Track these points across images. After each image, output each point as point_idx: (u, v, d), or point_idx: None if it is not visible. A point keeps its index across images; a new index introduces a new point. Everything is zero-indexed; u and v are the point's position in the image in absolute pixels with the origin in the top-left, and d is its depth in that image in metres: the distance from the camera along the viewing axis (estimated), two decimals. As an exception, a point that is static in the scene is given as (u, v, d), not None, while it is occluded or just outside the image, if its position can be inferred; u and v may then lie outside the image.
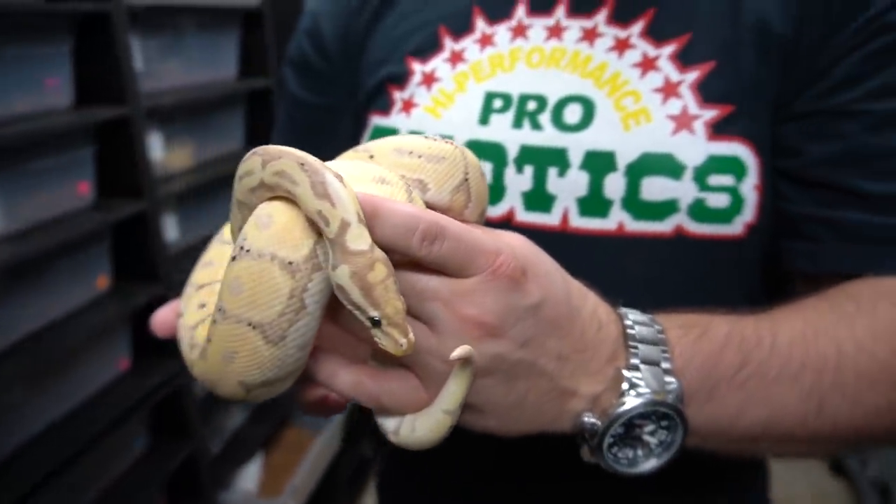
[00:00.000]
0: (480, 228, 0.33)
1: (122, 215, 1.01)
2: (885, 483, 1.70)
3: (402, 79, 0.55)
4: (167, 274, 1.10)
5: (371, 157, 0.34)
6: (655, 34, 0.47)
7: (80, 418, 0.98)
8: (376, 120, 0.56)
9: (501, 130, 0.50)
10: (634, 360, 0.35)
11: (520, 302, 0.31)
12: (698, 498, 0.53)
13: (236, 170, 0.32)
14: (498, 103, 0.51)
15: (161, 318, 0.41)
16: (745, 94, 0.45)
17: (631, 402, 0.34)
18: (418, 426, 0.32)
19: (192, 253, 1.24)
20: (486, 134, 0.50)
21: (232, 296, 0.29)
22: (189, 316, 0.38)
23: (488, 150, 0.49)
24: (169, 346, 1.16)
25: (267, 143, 0.32)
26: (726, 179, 0.45)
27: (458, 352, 0.28)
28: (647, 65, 0.47)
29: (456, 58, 0.53)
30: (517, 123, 0.49)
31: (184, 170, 1.25)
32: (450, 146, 0.35)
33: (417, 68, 0.54)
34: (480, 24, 0.53)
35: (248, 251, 0.28)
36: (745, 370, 0.37)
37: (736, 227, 0.46)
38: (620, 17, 0.49)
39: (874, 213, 0.42)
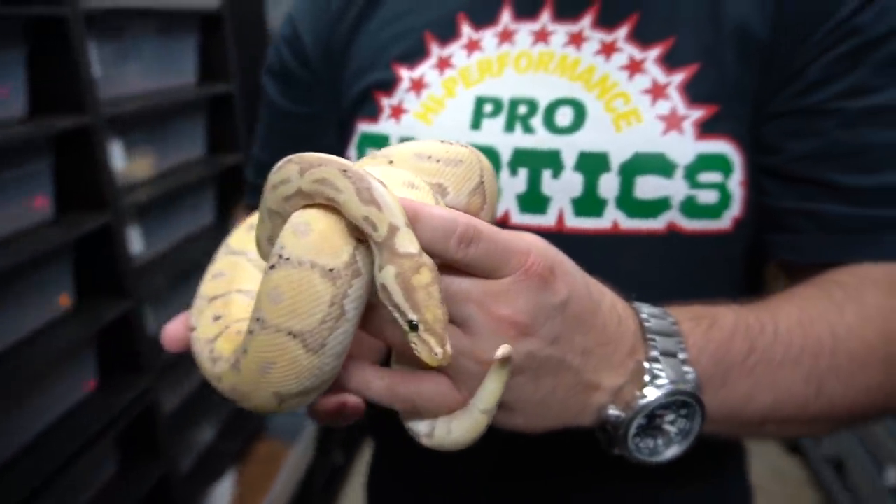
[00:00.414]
0: (504, 230, 0.33)
1: (84, 229, 0.97)
2: (840, 460, 1.79)
3: (389, 85, 0.55)
4: (133, 288, 1.06)
5: (391, 162, 0.34)
6: (640, 38, 0.49)
7: (45, 445, 0.93)
8: (363, 127, 0.56)
9: (494, 134, 0.50)
10: (654, 353, 0.36)
11: (549, 300, 0.32)
12: (682, 483, 0.55)
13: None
14: (489, 108, 0.51)
15: (172, 333, 0.39)
16: (729, 95, 0.47)
17: (653, 393, 0.35)
18: (454, 427, 0.32)
19: (157, 265, 1.20)
20: (478, 138, 0.51)
21: (272, 305, 0.28)
22: (204, 329, 0.37)
23: None
24: (136, 363, 1.11)
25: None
26: (715, 176, 0.47)
27: (502, 351, 0.28)
28: (635, 67, 0.49)
29: (443, 64, 0.54)
30: (509, 127, 0.50)
31: (145, 179, 1.20)
32: (465, 149, 0.35)
33: (405, 74, 0.54)
34: (466, 30, 0.54)
35: (287, 259, 0.28)
36: (752, 356, 0.39)
37: (724, 222, 0.48)
38: (605, 22, 0.50)
39: (850, 205, 0.45)
